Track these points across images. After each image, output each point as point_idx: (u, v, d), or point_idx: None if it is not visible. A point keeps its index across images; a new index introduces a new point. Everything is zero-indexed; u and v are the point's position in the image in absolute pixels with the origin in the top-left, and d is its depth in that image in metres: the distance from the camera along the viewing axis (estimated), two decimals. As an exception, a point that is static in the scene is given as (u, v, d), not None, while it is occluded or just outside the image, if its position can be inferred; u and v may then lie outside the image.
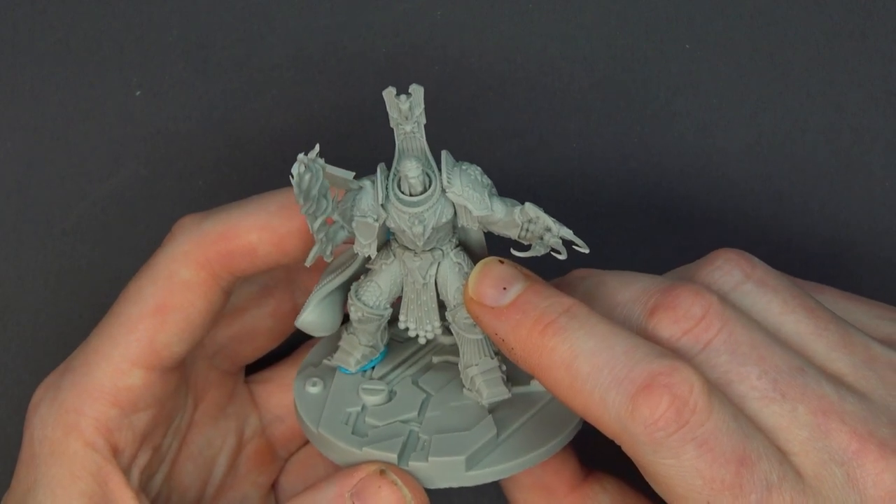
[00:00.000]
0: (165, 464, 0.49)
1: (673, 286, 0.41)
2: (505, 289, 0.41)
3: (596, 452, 0.48)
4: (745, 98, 0.54)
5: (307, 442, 0.52)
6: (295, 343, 0.53)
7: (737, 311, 0.41)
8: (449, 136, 0.54)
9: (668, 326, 0.41)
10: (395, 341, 0.48)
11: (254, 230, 0.45)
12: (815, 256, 0.54)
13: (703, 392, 0.38)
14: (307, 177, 0.40)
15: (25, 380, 0.54)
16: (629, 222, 0.54)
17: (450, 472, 0.43)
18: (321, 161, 0.41)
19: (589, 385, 0.39)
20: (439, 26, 0.54)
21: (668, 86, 0.54)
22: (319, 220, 0.41)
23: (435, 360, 0.47)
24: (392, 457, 0.43)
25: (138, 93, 0.54)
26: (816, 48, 0.53)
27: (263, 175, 0.54)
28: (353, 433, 0.44)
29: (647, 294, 0.41)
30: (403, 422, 0.44)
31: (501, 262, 0.42)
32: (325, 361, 0.47)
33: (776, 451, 0.39)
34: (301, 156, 0.40)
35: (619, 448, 0.40)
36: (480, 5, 0.54)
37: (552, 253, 0.41)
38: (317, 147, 0.40)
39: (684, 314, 0.40)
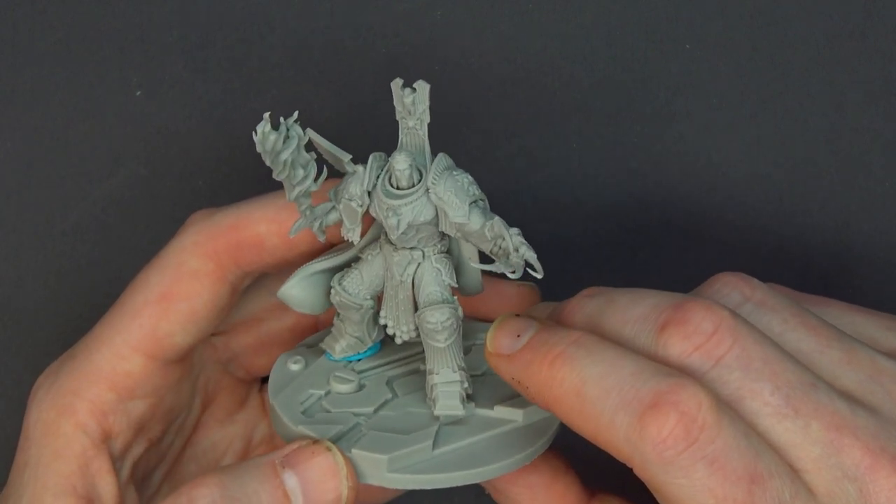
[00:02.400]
0: (166, 462, 0.48)
1: (683, 302, 0.41)
2: (519, 336, 0.42)
3: (599, 474, 0.48)
4: (745, 98, 0.54)
5: None
6: None
7: (748, 325, 0.40)
8: (449, 136, 0.54)
9: (678, 343, 0.40)
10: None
11: (262, 222, 0.45)
12: (815, 257, 0.54)
13: (712, 409, 0.38)
14: (272, 137, 0.40)
15: (25, 380, 0.54)
16: (629, 222, 0.54)
17: (371, 468, 0.43)
18: (299, 130, 0.41)
19: (598, 408, 0.39)
20: (439, 26, 0.54)
21: (668, 86, 0.54)
22: (297, 191, 0.42)
23: (423, 367, 0.47)
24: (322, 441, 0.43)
25: (138, 93, 0.54)
26: (816, 48, 0.53)
27: (263, 175, 0.54)
28: (302, 413, 0.44)
29: (658, 310, 0.41)
30: (355, 414, 0.44)
31: (517, 315, 0.43)
32: (320, 345, 0.47)
33: (788, 468, 0.39)
34: (266, 115, 0.40)
35: (621, 469, 0.40)
36: (480, 5, 0.54)
37: (507, 274, 0.41)
38: (295, 114, 0.41)
39: (695, 330, 0.40)
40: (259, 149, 0.40)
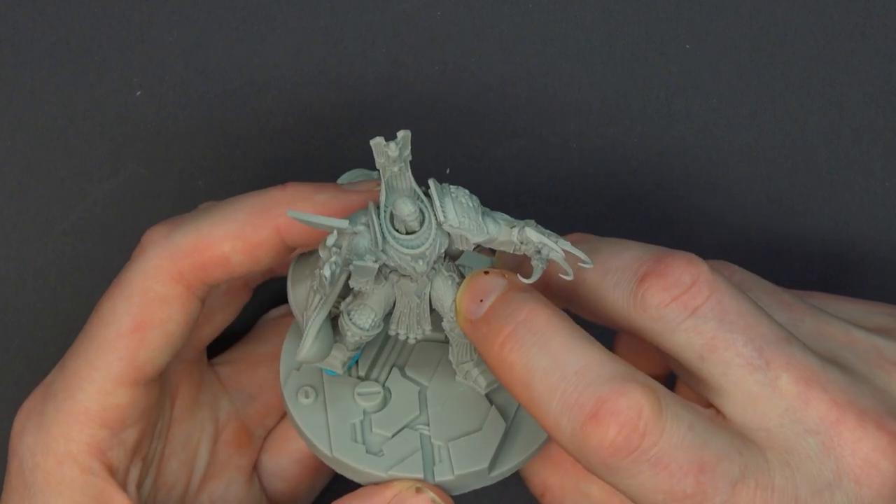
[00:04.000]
0: (153, 467, 0.48)
1: (664, 255, 0.41)
2: (482, 301, 0.42)
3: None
4: (745, 98, 0.54)
5: (283, 417, 0.52)
6: (250, 317, 0.53)
7: (727, 280, 0.41)
8: (449, 137, 0.54)
9: (656, 294, 0.41)
10: None
11: (226, 240, 0.44)
12: (815, 256, 0.54)
13: (653, 413, 0.38)
14: (337, 271, 0.40)
15: (25, 380, 0.54)
16: (629, 222, 0.54)
17: (475, 478, 0.44)
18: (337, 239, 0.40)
19: (543, 408, 0.39)
20: (439, 26, 0.54)
21: (668, 86, 0.54)
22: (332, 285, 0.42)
23: (412, 338, 0.47)
24: (418, 476, 0.43)
25: (138, 93, 0.54)
26: (816, 48, 0.53)
27: (263, 175, 0.54)
28: (367, 452, 0.44)
29: (639, 262, 0.41)
30: (411, 427, 0.45)
31: (486, 272, 0.42)
32: (316, 364, 0.46)
33: (736, 443, 0.39)
34: (333, 259, 0.39)
35: None
36: (480, 5, 0.54)
37: (560, 275, 0.41)
38: (335, 234, 0.40)
39: (674, 282, 0.40)
40: (328, 288, 0.40)
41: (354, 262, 0.41)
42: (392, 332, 0.44)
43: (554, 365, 0.39)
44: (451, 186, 0.42)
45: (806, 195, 0.54)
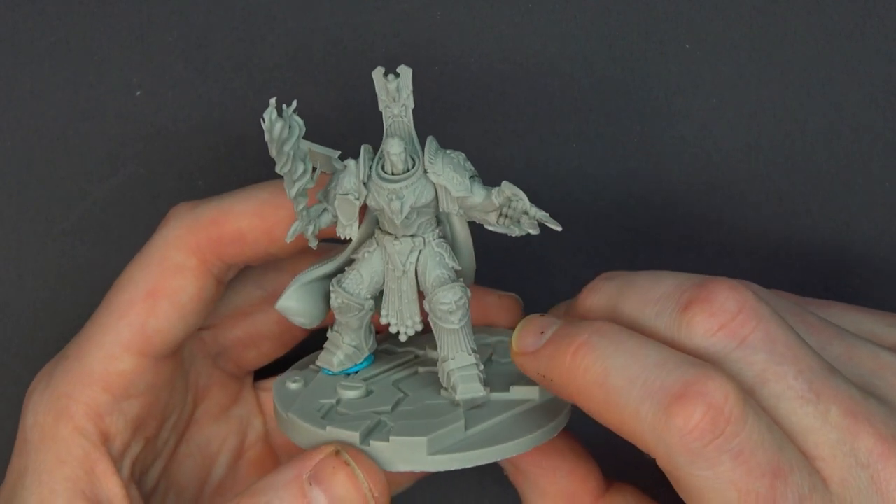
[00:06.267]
0: (161, 458, 0.49)
1: (706, 281, 0.41)
2: (542, 332, 0.42)
3: (618, 465, 0.48)
4: (745, 98, 0.54)
5: None
6: (307, 353, 0.53)
7: (770, 308, 0.40)
8: (449, 137, 0.54)
9: (703, 321, 0.40)
10: (385, 353, 0.48)
11: (244, 217, 0.45)
12: (815, 257, 0.54)
13: (739, 401, 0.38)
14: (279, 125, 0.40)
15: (25, 380, 0.54)
16: (629, 222, 0.54)
17: (411, 453, 0.42)
18: (298, 120, 0.41)
19: (623, 399, 0.39)
20: (439, 26, 0.54)
21: (668, 86, 0.54)
22: (296, 187, 0.42)
23: (421, 370, 0.47)
24: (354, 436, 0.42)
25: (138, 93, 0.54)
26: (816, 48, 0.53)
27: (264, 175, 0.54)
28: (322, 418, 0.43)
29: (681, 289, 0.41)
30: (375, 412, 0.44)
31: (541, 315, 0.43)
32: (311, 366, 0.47)
33: (805, 460, 0.39)
34: (272, 100, 0.40)
35: (639, 461, 0.39)
36: (480, 5, 0.54)
37: (530, 231, 0.42)
38: (294, 103, 0.41)
39: (720, 308, 0.40)
40: (267, 137, 0.40)
41: (338, 196, 0.43)
42: (383, 321, 0.45)
43: (633, 359, 0.39)
44: (451, 150, 0.43)
45: (806, 195, 0.54)
